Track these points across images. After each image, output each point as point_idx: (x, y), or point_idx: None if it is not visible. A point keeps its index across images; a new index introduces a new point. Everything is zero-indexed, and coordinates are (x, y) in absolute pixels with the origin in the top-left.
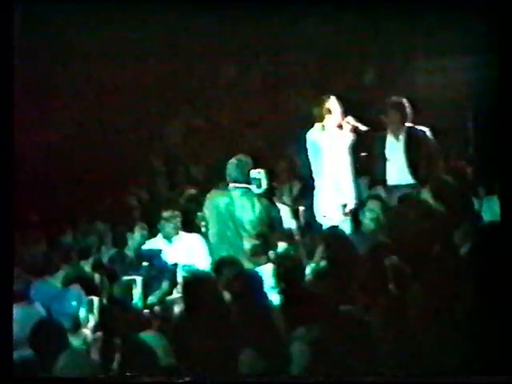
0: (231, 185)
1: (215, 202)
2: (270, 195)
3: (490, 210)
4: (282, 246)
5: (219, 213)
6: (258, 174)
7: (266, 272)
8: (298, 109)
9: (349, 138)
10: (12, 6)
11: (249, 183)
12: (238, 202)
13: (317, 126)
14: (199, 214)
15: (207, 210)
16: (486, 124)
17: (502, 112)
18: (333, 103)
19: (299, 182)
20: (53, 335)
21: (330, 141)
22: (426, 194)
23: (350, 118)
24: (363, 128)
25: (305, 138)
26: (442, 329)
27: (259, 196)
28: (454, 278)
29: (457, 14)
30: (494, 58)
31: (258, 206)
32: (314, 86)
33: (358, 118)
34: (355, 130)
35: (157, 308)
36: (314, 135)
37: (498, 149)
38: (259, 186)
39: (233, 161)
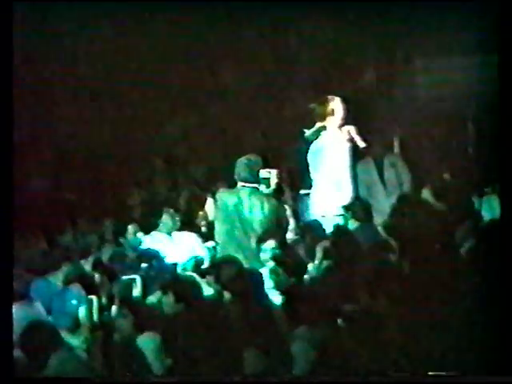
0: (239, 184)
1: (223, 202)
2: (278, 195)
3: (490, 209)
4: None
5: (227, 212)
6: (267, 173)
7: (268, 271)
8: (299, 109)
9: (347, 144)
10: (12, 6)
11: (257, 183)
12: (246, 202)
13: (318, 124)
14: (200, 213)
15: (215, 210)
16: (486, 123)
17: (501, 112)
18: (337, 104)
19: (299, 182)
20: (46, 335)
21: (331, 141)
22: (426, 194)
23: (351, 128)
24: (361, 144)
25: (304, 137)
26: (442, 328)
27: (268, 196)
28: (454, 276)
29: (457, 14)
30: (493, 57)
31: (266, 206)
32: (314, 85)
33: (359, 131)
34: (352, 140)
35: (157, 308)
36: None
37: (498, 148)
38: (268, 186)
39: (242, 160)
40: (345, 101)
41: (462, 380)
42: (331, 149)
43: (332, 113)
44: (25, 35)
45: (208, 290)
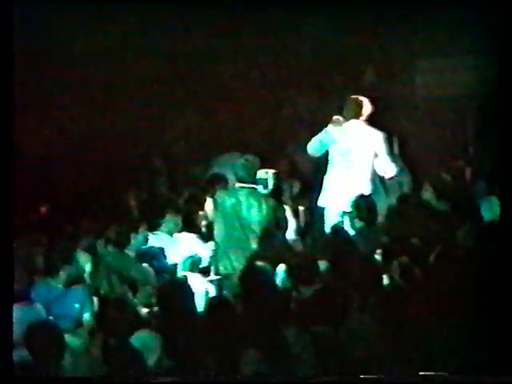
0: (237, 185)
1: (221, 203)
2: (276, 195)
3: (490, 209)
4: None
5: (226, 213)
6: (265, 174)
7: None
8: (298, 108)
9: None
10: (12, 5)
11: (255, 183)
12: (244, 203)
13: (354, 121)
14: (200, 213)
15: (213, 211)
16: (486, 124)
17: (501, 112)
18: (367, 104)
19: (299, 182)
20: (50, 336)
21: (355, 139)
22: (426, 194)
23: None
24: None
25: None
26: (442, 328)
27: (266, 196)
28: (455, 276)
29: (457, 14)
30: (493, 58)
31: (264, 206)
32: (314, 85)
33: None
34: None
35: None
36: (342, 131)
37: (498, 149)
38: (266, 187)
39: (240, 160)
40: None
41: (462, 380)
42: (355, 147)
43: (361, 112)
44: (25, 35)
45: (211, 290)
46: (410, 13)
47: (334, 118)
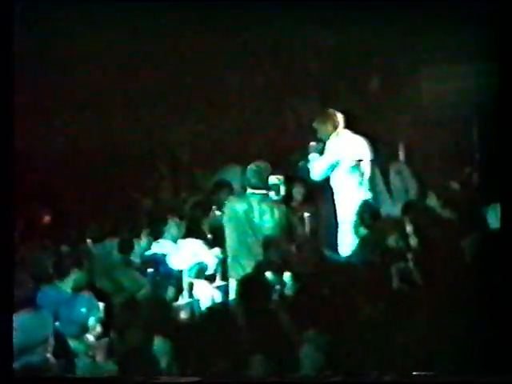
0: (249, 191)
1: (233, 209)
2: (288, 202)
3: (495, 217)
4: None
5: (238, 219)
6: (276, 180)
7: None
8: (302, 116)
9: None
10: (12, 5)
11: (267, 189)
12: (256, 209)
13: (342, 133)
14: (206, 219)
15: (225, 217)
16: (492, 131)
17: (503, 119)
18: (335, 114)
19: (303, 189)
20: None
21: (340, 153)
22: (432, 201)
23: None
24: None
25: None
26: (445, 331)
27: (277, 202)
28: (459, 283)
29: (458, 22)
30: (494, 65)
31: (276, 212)
32: (318, 92)
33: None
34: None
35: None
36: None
37: (500, 155)
38: (278, 193)
39: (251, 167)
40: (347, 111)
41: (462, 380)
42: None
43: (336, 126)
44: (25, 35)
45: (217, 296)
46: (412, 21)
47: (312, 144)
